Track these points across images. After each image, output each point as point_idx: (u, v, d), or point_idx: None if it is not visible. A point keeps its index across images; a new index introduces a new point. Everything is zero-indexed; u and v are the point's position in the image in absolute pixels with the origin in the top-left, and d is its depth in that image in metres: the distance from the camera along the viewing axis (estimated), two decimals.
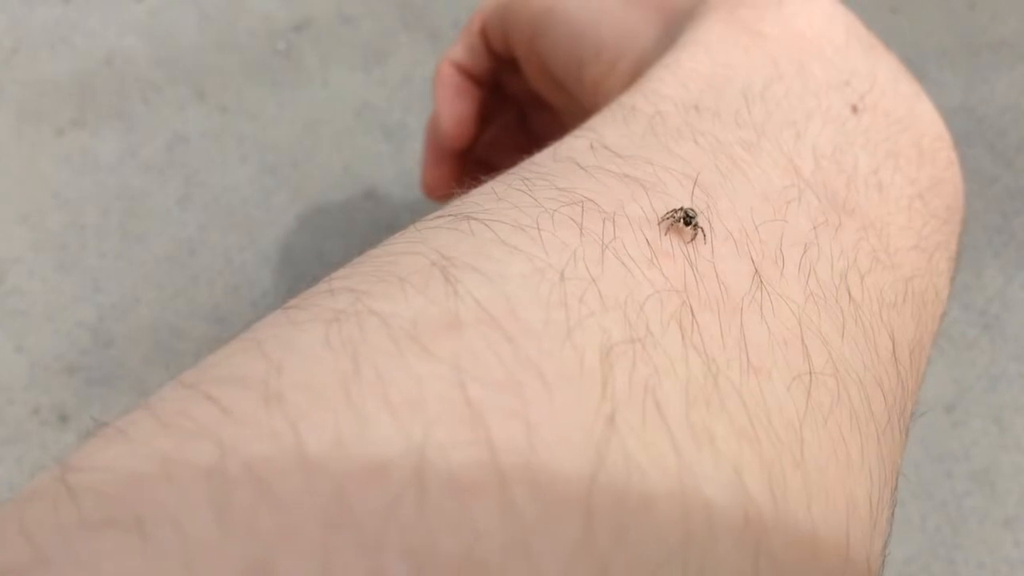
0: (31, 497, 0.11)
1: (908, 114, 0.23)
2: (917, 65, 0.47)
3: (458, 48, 0.33)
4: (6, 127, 0.45)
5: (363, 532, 0.11)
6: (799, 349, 0.16)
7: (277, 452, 0.11)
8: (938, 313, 0.21)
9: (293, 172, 0.44)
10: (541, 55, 0.30)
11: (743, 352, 0.15)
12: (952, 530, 0.36)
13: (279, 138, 0.45)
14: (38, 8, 0.48)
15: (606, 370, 0.13)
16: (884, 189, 0.21)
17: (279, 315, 0.15)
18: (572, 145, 0.19)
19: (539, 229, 0.16)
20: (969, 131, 0.45)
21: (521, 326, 0.13)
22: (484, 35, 0.33)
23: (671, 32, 0.25)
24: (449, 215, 0.17)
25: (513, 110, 0.36)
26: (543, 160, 0.19)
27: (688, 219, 0.17)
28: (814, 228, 0.18)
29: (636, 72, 0.25)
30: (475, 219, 0.16)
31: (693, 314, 0.15)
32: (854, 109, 0.22)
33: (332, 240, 0.43)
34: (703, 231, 0.17)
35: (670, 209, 0.17)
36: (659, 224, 0.17)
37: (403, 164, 0.44)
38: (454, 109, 0.33)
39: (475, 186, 0.18)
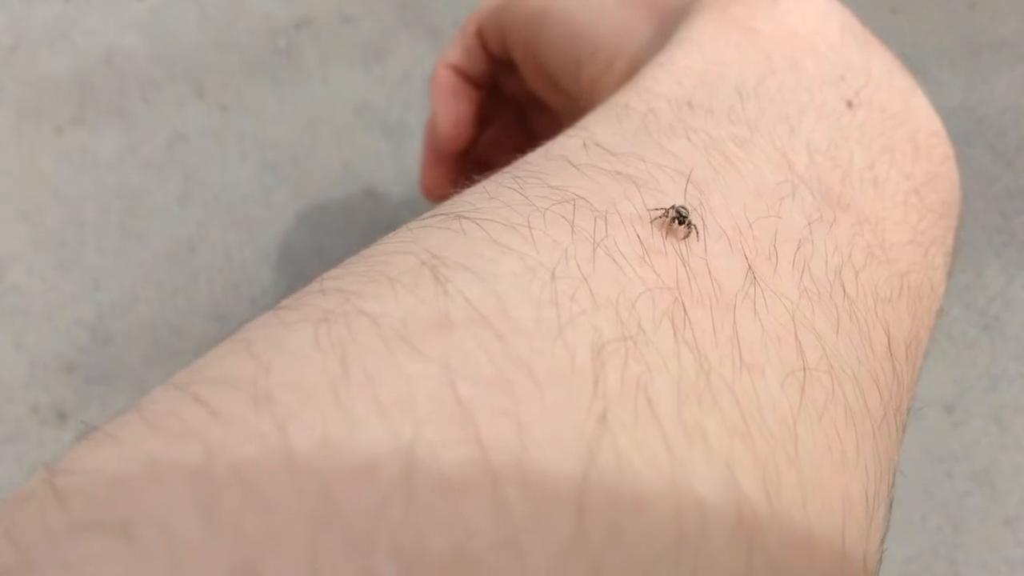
0: (19, 500, 0.11)
1: (903, 109, 0.23)
2: (917, 65, 0.47)
3: (455, 50, 0.33)
4: (6, 125, 0.45)
5: (352, 532, 0.10)
6: (793, 345, 0.16)
7: (264, 453, 0.11)
8: (934, 308, 0.21)
9: (293, 170, 0.44)
10: (538, 55, 0.29)
11: (736, 349, 0.15)
12: (953, 530, 0.36)
13: (279, 136, 0.45)
14: (38, 6, 0.48)
15: (597, 368, 0.13)
16: (879, 184, 0.21)
17: (270, 316, 0.14)
18: (564, 144, 0.19)
19: (530, 227, 0.16)
20: (969, 131, 0.45)
21: (512, 325, 0.13)
22: (480, 37, 0.33)
23: (666, 30, 0.25)
24: (441, 214, 0.17)
25: (512, 110, 0.36)
26: (535, 159, 0.19)
27: (682, 218, 0.17)
28: (808, 224, 0.18)
29: (632, 70, 0.25)
30: (466, 218, 0.16)
31: (685, 311, 0.15)
32: (849, 104, 0.22)
33: (332, 238, 0.43)
34: (696, 229, 0.17)
35: (663, 207, 0.17)
36: (651, 222, 0.17)
37: (403, 162, 0.44)
38: (451, 111, 0.33)
39: (470, 185, 0.18)
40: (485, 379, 0.12)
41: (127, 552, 0.10)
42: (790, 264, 0.17)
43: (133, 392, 0.39)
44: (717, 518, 0.13)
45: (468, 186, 0.18)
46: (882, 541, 0.17)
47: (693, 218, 0.17)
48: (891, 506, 0.17)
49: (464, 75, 0.34)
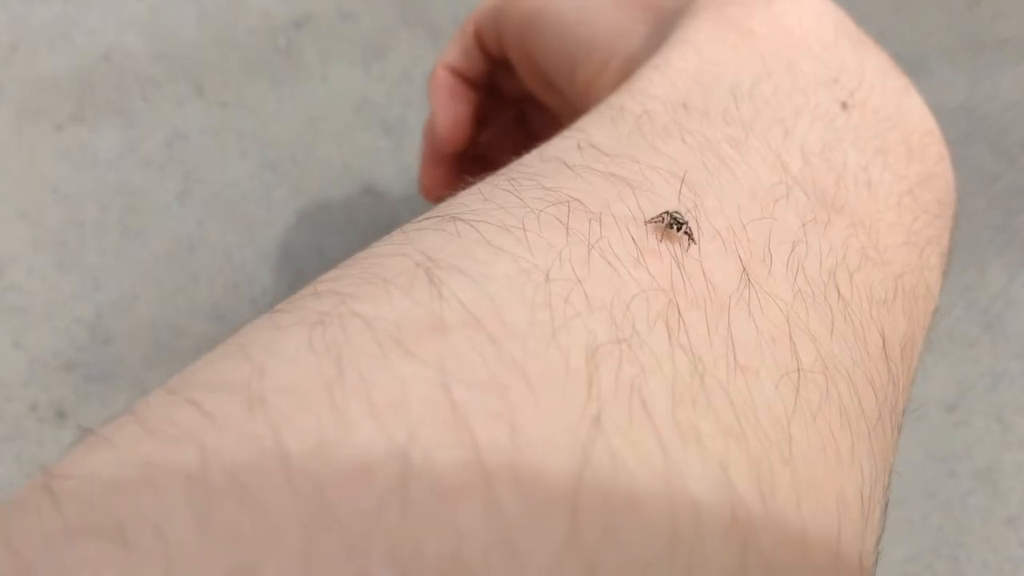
0: (14, 505, 0.11)
1: (897, 110, 0.23)
2: (919, 63, 0.47)
3: (453, 51, 0.33)
4: (5, 123, 0.45)
5: (347, 535, 0.10)
6: (787, 347, 0.16)
7: (259, 456, 0.11)
8: (930, 309, 0.21)
9: (293, 168, 0.44)
10: (533, 56, 0.29)
11: (730, 350, 0.15)
12: (955, 529, 0.36)
13: (279, 134, 0.45)
14: (37, 5, 0.48)
15: (591, 370, 0.13)
16: (873, 186, 0.21)
17: (264, 319, 0.14)
18: (559, 145, 0.19)
19: (525, 230, 0.16)
20: (971, 129, 0.45)
21: (506, 328, 0.13)
22: (478, 38, 0.33)
23: (662, 31, 0.25)
24: (436, 216, 0.17)
25: (511, 109, 0.36)
26: (530, 160, 0.19)
27: (678, 224, 0.17)
28: (803, 225, 0.18)
29: (627, 71, 0.25)
30: (461, 220, 0.16)
31: (680, 313, 0.15)
32: (843, 106, 0.22)
33: (332, 236, 0.42)
34: (692, 235, 0.17)
35: (658, 210, 0.17)
36: (646, 224, 0.17)
37: (402, 160, 0.44)
38: (449, 112, 0.33)
39: (466, 187, 0.18)
40: (479, 382, 0.12)
41: (122, 556, 0.10)
42: (784, 266, 0.17)
43: (132, 391, 0.38)
44: (711, 518, 0.13)
45: (464, 188, 0.18)
46: (878, 542, 0.17)
47: (690, 224, 0.17)
48: (887, 507, 0.17)
49: (462, 76, 0.34)
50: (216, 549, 0.10)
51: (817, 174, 0.20)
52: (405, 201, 0.44)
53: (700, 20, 0.23)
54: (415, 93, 0.46)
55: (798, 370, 0.16)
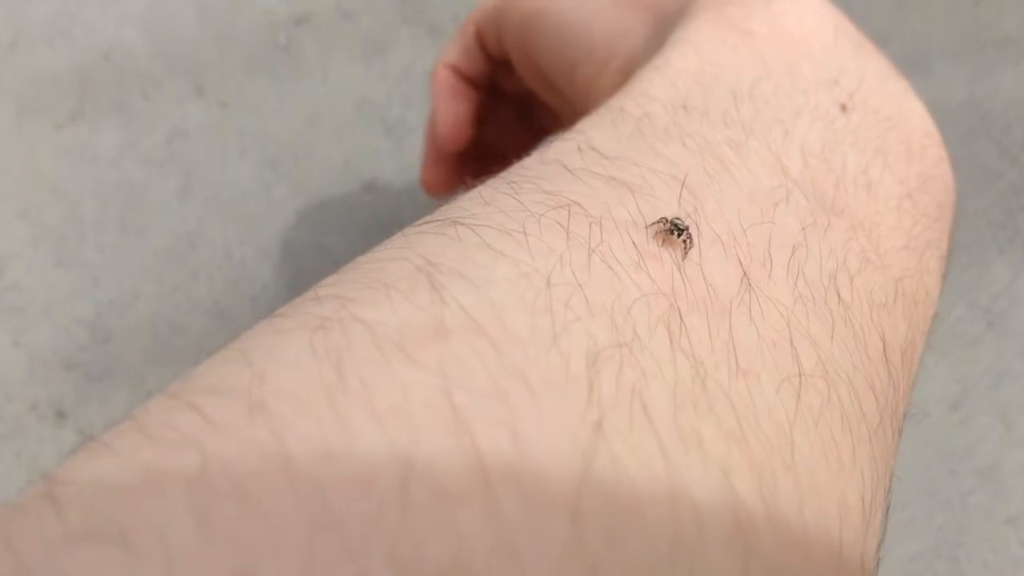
0: (16, 510, 0.11)
1: (896, 112, 0.23)
2: (922, 60, 0.46)
3: (453, 50, 0.33)
4: (5, 121, 0.45)
5: (348, 540, 0.10)
6: (788, 351, 0.16)
7: (261, 461, 0.11)
8: (929, 313, 0.21)
9: (293, 166, 0.44)
10: (533, 56, 0.29)
11: (732, 355, 0.15)
12: (957, 528, 0.36)
13: (279, 132, 0.45)
14: (36, 2, 0.48)
15: (592, 375, 0.13)
16: (873, 188, 0.21)
17: (265, 324, 0.14)
18: (559, 148, 0.19)
19: (525, 234, 0.16)
20: (974, 126, 0.45)
21: (507, 333, 0.13)
22: (479, 37, 0.33)
23: (661, 31, 0.25)
24: (436, 220, 0.17)
25: (514, 106, 0.36)
26: (530, 163, 0.19)
27: (679, 230, 0.17)
28: (803, 229, 0.18)
29: (627, 72, 0.25)
30: (462, 224, 0.16)
31: (681, 317, 0.15)
32: (843, 108, 0.22)
33: (332, 234, 0.42)
34: (691, 239, 0.17)
35: (658, 214, 0.17)
36: (647, 227, 0.17)
37: (403, 158, 0.44)
38: (450, 111, 0.33)
39: (467, 190, 0.18)
40: (480, 388, 0.12)
41: (123, 561, 0.10)
42: (784, 270, 0.17)
43: (132, 389, 0.38)
44: (713, 523, 0.13)
45: (465, 191, 0.18)
46: (879, 546, 0.17)
47: (691, 229, 0.17)
48: (888, 511, 0.17)
49: (463, 75, 0.34)
50: (218, 553, 0.10)
51: (817, 176, 0.20)
52: (405, 199, 0.43)
53: (700, 20, 0.23)
54: (416, 91, 0.46)
55: (799, 375, 0.16)
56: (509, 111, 0.35)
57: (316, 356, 0.13)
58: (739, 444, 0.14)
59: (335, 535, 0.10)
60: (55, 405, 0.38)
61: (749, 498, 0.13)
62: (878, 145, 0.22)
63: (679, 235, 0.17)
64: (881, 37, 0.41)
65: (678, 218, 0.17)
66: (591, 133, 0.20)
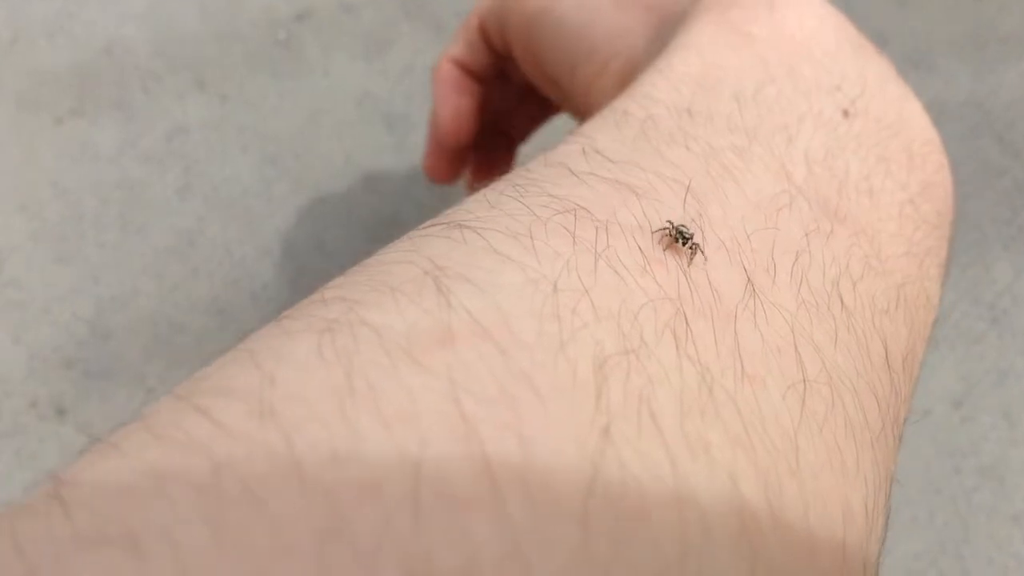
0: (24, 512, 0.11)
1: (898, 119, 0.23)
2: (925, 58, 0.46)
3: (457, 44, 0.34)
4: (5, 117, 0.44)
5: (359, 547, 0.10)
6: (793, 357, 0.16)
7: (271, 466, 0.11)
8: (930, 319, 0.21)
9: (294, 163, 0.44)
10: (535, 54, 0.30)
11: (737, 360, 0.15)
12: (961, 526, 0.36)
13: (280, 128, 0.45)
14: None
15: (600, 382, 0.13)
16: (875, 195, 0.21)
17: (272, 326, 0.15)
18: (564, 150, 0.19)
19: (532, 238, 0.16)
20: (977, 123, 0.45)
21: (514, 339, 0.13)
22: (482, 31, 0.33)
23: (663, 33, 0.25)
24: (442, 223, 0.17)
25: (519, 88, 0.36)
26: (535, 166, 0.19)
27: (684, 238, 0.17)
28: (806, 235, 0.18)
29: (628, 72, 0.25)
30: (467, 227, 0.16)
31: (687, 322, 0.15)
32: (845, 114, 0.22)
33: (333, 231, 0.42)
34: (697, 245, 0.17)
35: (663, 219, 0.17)
36: (652, 233, 0.17)
37: (405, 154, 0.44)
38: (451, 106, 0.33)
39: (471, 193, 0.18)
40: (488, 393, 0.12)
41: (135, 566, 0.10)
42: (788, 276, 0.17)
43: (132, 387, 0.38)
44: (721, 528, 0.13)
45: (469, 192, 0.18)
46: (880, 552, 0.17)
47: (695, 236, 0.17)
48: (888, 517, 0.17)
49: (467, 69, 0.34)
50: (229, 559, 0.10)
51: (820, 182, 0.20)
52: (407, 196, 0.43)
53: (702, 23, 0.23)
54: (417, 87, 0.46)
55: (804, 381, 0.16)
56: (512, 92, 0.35)
57: (324, 360, 0.13)
58: (745, 450, 0.14)
59: (345, 541, 0.10)
60: (55, 402, 0.38)
61: (755, 503, 0.13)
62: (880, 152, 0.22)
63: (684, 243, 0.17)
64: (883, 35, 0.41)
65: (684, 225, 0.17)
66: (595, 136, 0.20)
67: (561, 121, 0.38)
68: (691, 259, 0.17)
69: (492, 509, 0.11)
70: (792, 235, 0.18)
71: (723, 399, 0.14)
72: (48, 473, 0.12)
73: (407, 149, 0.44)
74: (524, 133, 0.38)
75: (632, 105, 0.21)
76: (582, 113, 0.29)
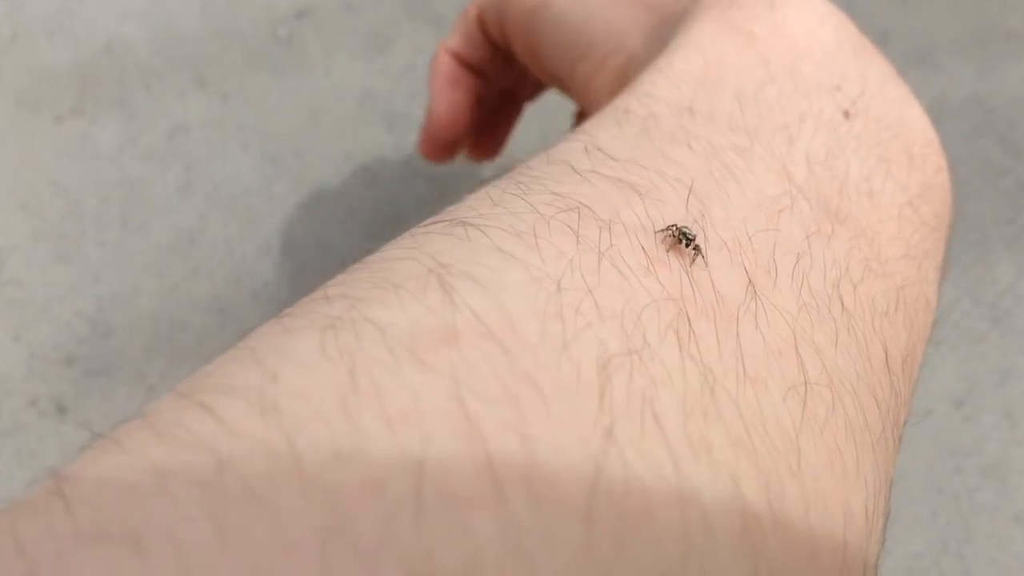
0: (25, 508, 0.11)
1: (898, 120, 0.23)
2: (927, 56, 0.46)
3: (455, 36, 0.33)
4: (5, 115, 0.44)
5: (361, 546, 0.10)
6: (794, 359, 0.16)
7: (274, 465, 0.11)
8: (929, 321, 0.21)
9: (295, 161, 0.44)
10: (535, 50, 0.30)
11: (740, 362, 0.15)
12: (963, 525, 0.36)
13: (281, 127, 0.45)
14: None
15: (603, 382, 0.13)
16: (875, 196, 0.21)
17: (274, 323, 0.14)
18: (566, 148, 0.19)
19: (535, 236, 0.16)
20: (979, 122, 0.45)
21: (517, 338, 0.13)
22: (480, 24, 0.33)
23: (663, 32, 0.25)
24: (444, 220, 0.17)
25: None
26: (537, 164, 0.19)
27: (688, 240, 0.17)
28: (807, 237, 0.18)
29: (626, 70, 0.26)
30: (471, 225, 0.16)
31: (690, 323, 0.15)
32: (846, 114, 0.22)
33: (334, 230, 0.42)
34: (700, 248, 0.17)
35: (666, 219, 0.17)
36: (655, 234, 0.17)
37: (406, 153, 0.44)
38: (447, 100, 0.33)
39: (474, 190, 0.19)
40: (491, 393, 0.12)
41: (137, 564, 0.10)
42: (789, 277, 0.17)
43: (133, 385, 0.38)
44: (723, 529, 0.13)
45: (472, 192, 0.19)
46: (880, 554, 0.17)
47: (698, 237, 0.17)
48: (888, 519, 0.17)
49: (464, 61, 0.34)
50: (232, 558, 0.10)
51: (821, 183, 0.20)
52: (408, 194, 0.43)
53: (703, 22, 0.23)
54: (419, 85, 0.46)
55: (805, 383, 0.16)
56: (514, 71, 0.35)
57: (328, 357, 0.13)
58: (747, 451, 0.14)
59: (347, 539, 0.10)
60: (55, 400, 0.38)
61: (757, 503, 0.13)
62: (880, 152, 0.22)
63: (687, 244, 0.17)
64: (885, 32, 0.41)
65: (687, 227, 0.17)
66: (596, 134, 0.20)
67: (562, 119, 0.38)
68: (693, 260, 0.17)
69: (495, 508, 0.11)
70: (793, 236, 0.18)
71: (725, 400, 0.14)
72: (50, 471, 0.12)
73: (408, 147, 0.44)
74: (531, 95, 0.38)
75: (633, 103, 0.21)
76: (584, 106, 0.29)
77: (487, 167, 0.43)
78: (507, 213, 0.16)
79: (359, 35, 0.47)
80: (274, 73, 0.46)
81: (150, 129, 0.44)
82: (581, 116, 0.38)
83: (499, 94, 0.36)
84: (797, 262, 0.18)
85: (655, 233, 0.17)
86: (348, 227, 0.42)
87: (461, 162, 0.37)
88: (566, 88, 0.30)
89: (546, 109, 0.40)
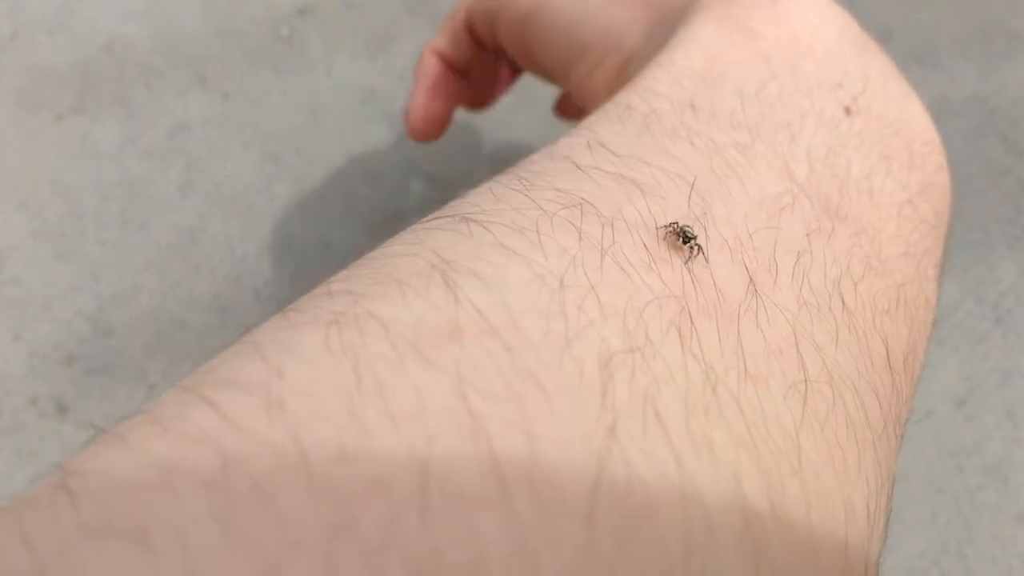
0: (31, 503, 0.11)
1: (899, 117, 0.23)
2: (929, 54, 0.46)
3: (442, 38, 0.34)
4: (5, 114, 0.44)
5: (367, 544, 0.11)
6: (794, 358, 0.16)
7: (279, 463, 0.11)
8: (929, 320, 0.21)
9: (296, 160, 0.44)
10: (531, 53, 0.30)
11: (741, 360, 0.15)
12: (964, 525, 0.36)
13: (281, 125, 0.44)
14: None
15: (606, 380, 0.13)
16: (875, 194, 0.21)
17: (278, 318, 0.15)
18: (569, 143, 0.19)
19: (538, 232, 0.16)
20: (982, 121, 0.45)
21: (520, 336, 0.13)
22: (469, 29, 0.33)
23: (663, 29, 0.25)
24: (447, 216, 0.17)
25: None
26: (540, 159, 0.19)
27: (686, 237, 0.17)
28: (807, 235, 0.18)
29: (624, 69, 0.26)
30: (474, 221, 0.16)
31: (692, 321, 0.15)
32: (847, 111, 0.22)
33: (335, 228, 0.42)
34: (700, 247, 0.17)
35: (668, 216, 0.17)
36: (657, 231, 0.17)
37: (407, 152, 0.44)
38: (424, 108, 0.33)
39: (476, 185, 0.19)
40: (495, 391, 0.12)
41: (144, 560, 0.10)
42: (790, 276, 0.17)
43: (134, 384, 0.38)
44: (725, 527, 0.13)
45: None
46: (881, 552, 0.17)
47: (699, 235, 0.17)
48: (890, 517, 0.17)
49: (450, 62, 0.34)
50: (239, 556, 0.10)
51: (822, 181, 0.20)
52: (409, 192, 0.43)
53: (705, 18, 0.23)
54: None
55: (805, 381, 0.16)
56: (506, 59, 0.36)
57: (332, 353, 0.13)
58: (748, 450, 0.14)
59: (352, 538, 0.10)
60: (55, 399, 0.38)
61: (758, 502, 0.13)
62: (881, 150, 0.22)
63: (686, 242, 0.17)
64: (888, 30, 0.41)
65: (688, 226, 0.17)
66: (599, 129, 0.20)
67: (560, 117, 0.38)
68: (690, 257, 0.17)
69: (499, 507, 0.11)
70: (794, 234, 0.18)
71: (727, 399, 0.14)
72: (51, 469, 0.12)
73: (409, 146, 0.44)
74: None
75: (635, 99, 0.21)
76: (581, 103, 0.29)
77: (487, 167, 0.43)
78: (510, 209, 0.16)
79: (360, 34, 0.47)
80: (275, 72, 0.46)
81: (151, 128, 0.44)
82: (565, 100, 0.38)
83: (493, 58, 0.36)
84: (798, 260, 0.18)
85: (657, 230, 0.17)
86: (349, 226, 0.42)
87: (462, 162, 0.37)
88: (562, 86, 0.30)
89: (546, 110, 0.40)
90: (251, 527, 0.10)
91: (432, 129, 0.34)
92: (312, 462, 0.11)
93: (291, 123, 0.45)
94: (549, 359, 0.13)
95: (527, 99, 0.43)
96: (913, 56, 0.46)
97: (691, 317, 0.15)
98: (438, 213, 0.17)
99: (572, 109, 0.37)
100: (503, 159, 0.43)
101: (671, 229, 0.17)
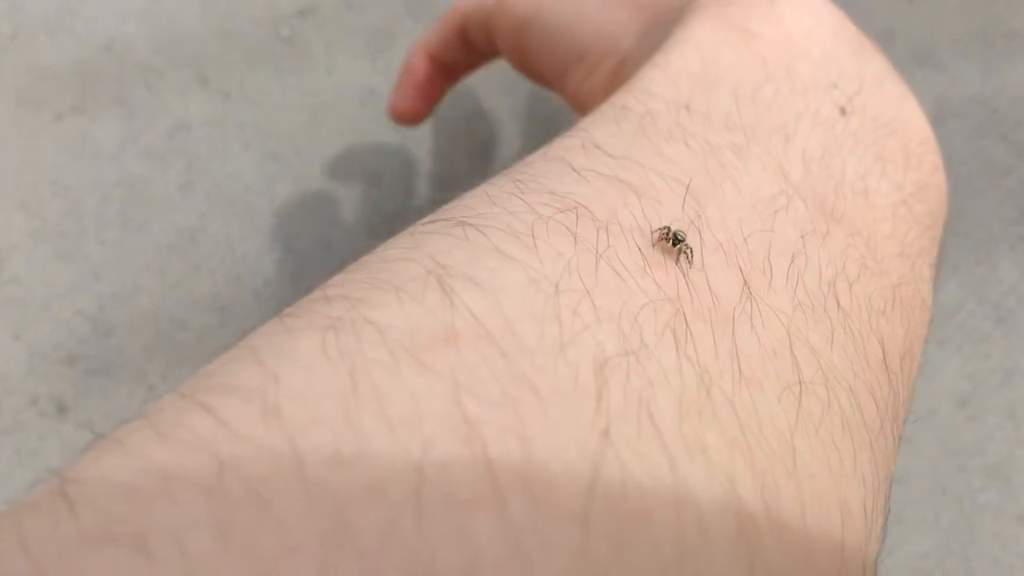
0: (29, 509, 0.11)
1: (895, 117, 0.23)
2: (931, 55, 0.46)
3: (433, 39, 0.34)
4: (5, 113, 0.44)
5: (363, 549, 0.11)
6: (788, 360, 0.16)
7: (276, 468, 0.11)
8: (926, 320, 0.21)
9: (296, 160, 0.44)
10: (526, 59, 0.30)
11: (735, 363, 0.15)
12: (966, 526, 0.36)
13: (282, 125, 0.44)
14: None
15: (600, 384, 0.13)
16: (870, 195, 0.21)
17: (274, 323, 0.15)
18: (564, 144, 0.19)
19: (534, 237, 0.16)
20: (983, 122, 0.45)
21: (516, 341, 0.13)
22: (461, 32, 0.33)
23: (657, 30, 0.25)
24: (442, 220, 0.17)
25: None
26: (535, 160, 0.19)
27: (676, 240, 0.17)
28: (802, 237, 0.18)
29: (619, 72, 0.26)
30: (469, 225, 0.16)
31: (687, 323, 0.15)
32: (842, 111, 0.22)
33: (335, 228, 0.42)
34: (691, 251, 0.17)
35: (663, 219, 0.17)
36: (652, 234, 0.17)
37: (408, 152, 0.44)
38: (408, 107, 0.34)
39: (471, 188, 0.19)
40: (490, 396, 0.13)
41: (142, 566, 0.10)
42: (784, 278, 0.17)
43: (134, 384, 0.38)
44: (719, 530, 0.13)
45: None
46: (879, 553, 0.17)
47: (691, 237, 0.17)
48: (888, 517, 0.17)
49: (439, 63, 0.34)
50: (236, 562, 0.10)
51: (817, 181, 0.20)
52: (410, 193, 0.43)
53: (701, 19, 0.23)
54: None
55: (799, 382, 0.16)
56: None
57: (328, 358, 0.13)
58: (742, 452, 0.14)
59: (349, 542, 0.11)
60: (56, 399, 0.38)
61: (752, 504, 0.13)
62: (877, 150, 0.22)
63: (674, 244, 0.17)
64: (889, 31, 0.41)
65: (680, 230, 0.17)
66: (594, 131, 0.20)
67: (562, 115, 0.38)
68: (690, 262, 0.17)
69: (494, 511, 0.11)
70: (788, 237, 0.18)
71: (721, 401, 0.14)
72: (50, 470, 0.12)
73: (410, 147, 0.44)
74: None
75: (630, 100, 0.21)
76: (577, 108, 0.29)
77: (487, 167, 0.43)
78: (505, 213, 0.16)
79: (361, 34, 0.47)
80: (275, 71, 0.46)
81: (151, 127, 0.44)
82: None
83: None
84: (792, 262, 0.18)
85: (651, 234, 0.17)
86: (349, 226, 0.42)
87: (462, 162, 0.37)
88: (558, 91, 0.30)
89: (546, 107, 0.40)
90: (248, 532, 0.10)
91: (413, 122, 0.35)
92: (308, 467, 0.11)
93: (291, 123, 0.44)
94: (544, 364, 0.13)
95: (527, 99, 0.43)
96: (914, 56, 0.46)
97: (686, 320, 0.15)
98: (434, 216, 0.17)
99: None
100: (503, 159, 0.43)
101: (664, 233, 0.17)
